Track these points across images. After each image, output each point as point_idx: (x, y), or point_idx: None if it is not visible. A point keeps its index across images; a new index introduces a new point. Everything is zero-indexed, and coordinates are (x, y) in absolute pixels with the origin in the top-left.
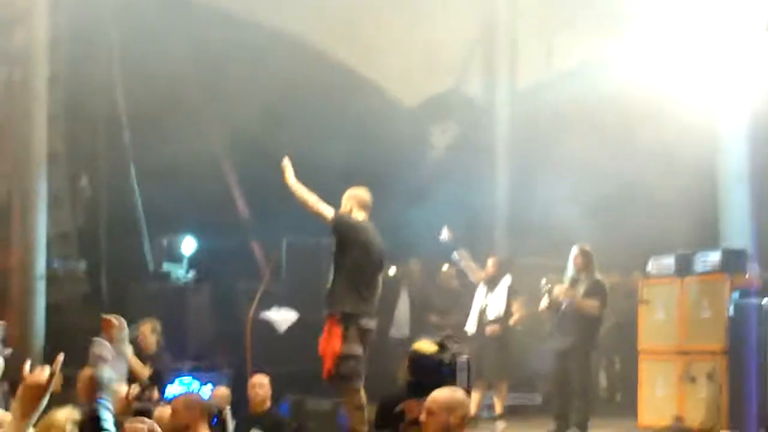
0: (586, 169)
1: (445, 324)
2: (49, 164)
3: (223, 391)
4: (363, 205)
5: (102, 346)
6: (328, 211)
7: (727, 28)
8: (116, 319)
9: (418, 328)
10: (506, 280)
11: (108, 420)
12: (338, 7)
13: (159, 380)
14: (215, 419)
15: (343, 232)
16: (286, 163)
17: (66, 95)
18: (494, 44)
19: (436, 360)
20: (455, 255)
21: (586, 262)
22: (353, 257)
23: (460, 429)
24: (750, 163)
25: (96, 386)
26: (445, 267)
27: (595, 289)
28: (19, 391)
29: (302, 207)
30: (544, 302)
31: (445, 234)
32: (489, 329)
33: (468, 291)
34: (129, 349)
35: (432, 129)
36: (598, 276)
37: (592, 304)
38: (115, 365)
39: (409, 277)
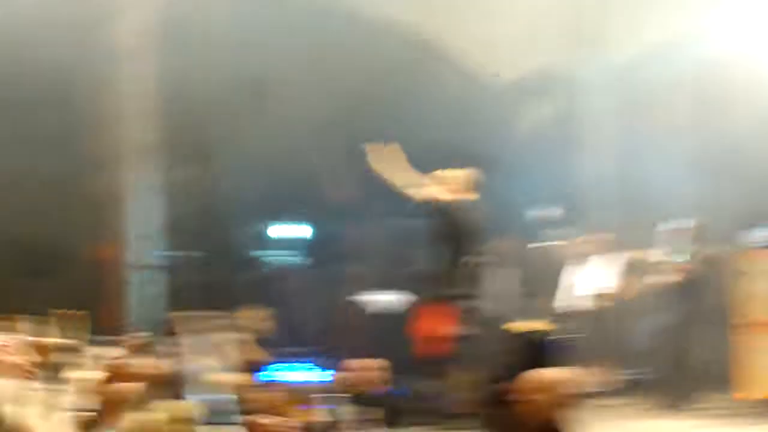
0: (686, 140)
1: (547, 303)
2: (152, 155)
3: (333, 375)
4: (469, 186)
5: None
6: (441, 194)
7: None
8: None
9: (519, 307)
10: (616, 256)
11: None
12: None
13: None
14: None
15: (453, 215)
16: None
17: (167, 87)
18: (589, 17)
19: (539, 339)
20: (560, 234)
21: (695, 236)
22: (461, 240)
23: (565, 408)
24: None
25: None
26: (546, 244)
27: (700, 263)
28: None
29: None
30: (653, 275)
31: (549, 213)
32: (597, 305)
33: (572, 269)
34: (245, 336)
35: (529, 104)
36: (707, 250)
37: (691, 277)
38: None
39: (506, 255)
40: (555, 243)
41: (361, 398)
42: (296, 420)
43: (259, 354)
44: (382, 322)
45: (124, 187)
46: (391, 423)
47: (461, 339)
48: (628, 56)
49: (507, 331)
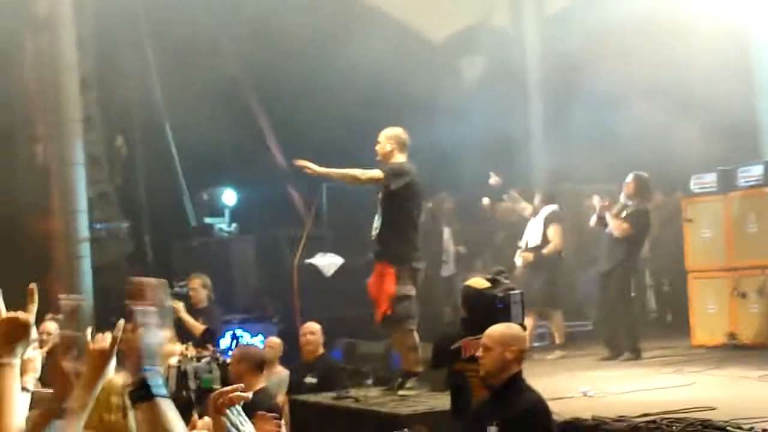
0: (620, 91)
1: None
2: (84, 127)
3: (275, 341)
4: (403, 146)
5: (145, 314)
6: (376, 174)
7: None
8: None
9: (466, 263)
10: (546, 210)
11: (160, 385)
12: None
13: (212, 334)
14: None
15: (394, 183)
16: (303, 163)
17: (96, 57)
18: None
19: (489, 296)
20: (507, 197)
21: (637, 189)
22: (402, 203)
23: (517, 363)
24: None
25: (143, 355)
26: (486, 200)
27: (633, 215)
28: (84, 359)
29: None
30: (592, 220)
31: (493, 179)
32: (522, 258)
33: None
34: (180, 305)
35: (461, 62)
36: (646, 204)
37: (623, 228)
38: (159, 328)
39: (447, 211)
40: (503, 198)
41: (302, 362)
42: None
43: (199, 323)
44: (326, 284)
45: (54, 160)
46: (329, 385)
47: (412, 299)
48: (560, 8)
49: (464, 288)
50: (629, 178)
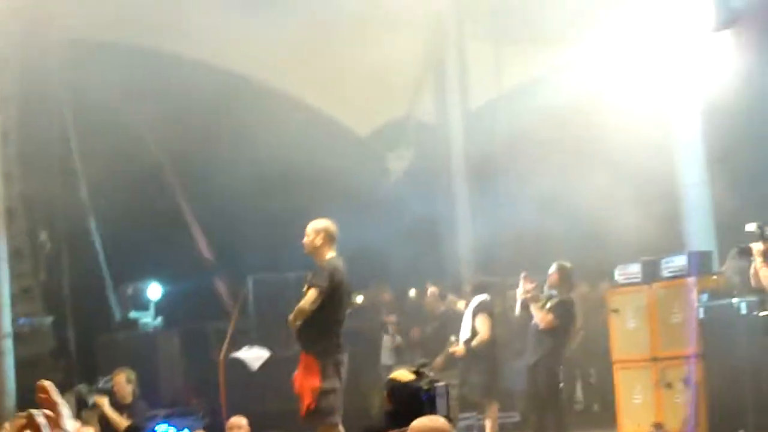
0: (544, 183)
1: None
2: (7, 220)
3: None
4: (332, 239)
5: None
6: (315, 296)
7: (674, 32)
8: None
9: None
10: (474, 301)
11: None
12: (285, 43)
13: (137, 430)
14: None
15: (329, 291)
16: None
17: (19, 151)
18: (444, 66)
19: (414, 388)
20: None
21: (560, 279)
22: (327, 299)
23: None
24: (707, 166)
25: None
26: (412, 292)
27: (558, 306)
28: None
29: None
30: (516, 309)
31: (431, 290)
32: (453, 351)
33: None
34: (105, 401)
35: (387, 155)
36: (570, 295)
37: (548, 319)
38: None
39: (386, 302)
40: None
41: None
42: None
43: (123, 418)
44: (252, 378)
45: None
46: None
47: (337, 392)
48: (485, 102)
49: (389, 381)
50: (552, 268)
